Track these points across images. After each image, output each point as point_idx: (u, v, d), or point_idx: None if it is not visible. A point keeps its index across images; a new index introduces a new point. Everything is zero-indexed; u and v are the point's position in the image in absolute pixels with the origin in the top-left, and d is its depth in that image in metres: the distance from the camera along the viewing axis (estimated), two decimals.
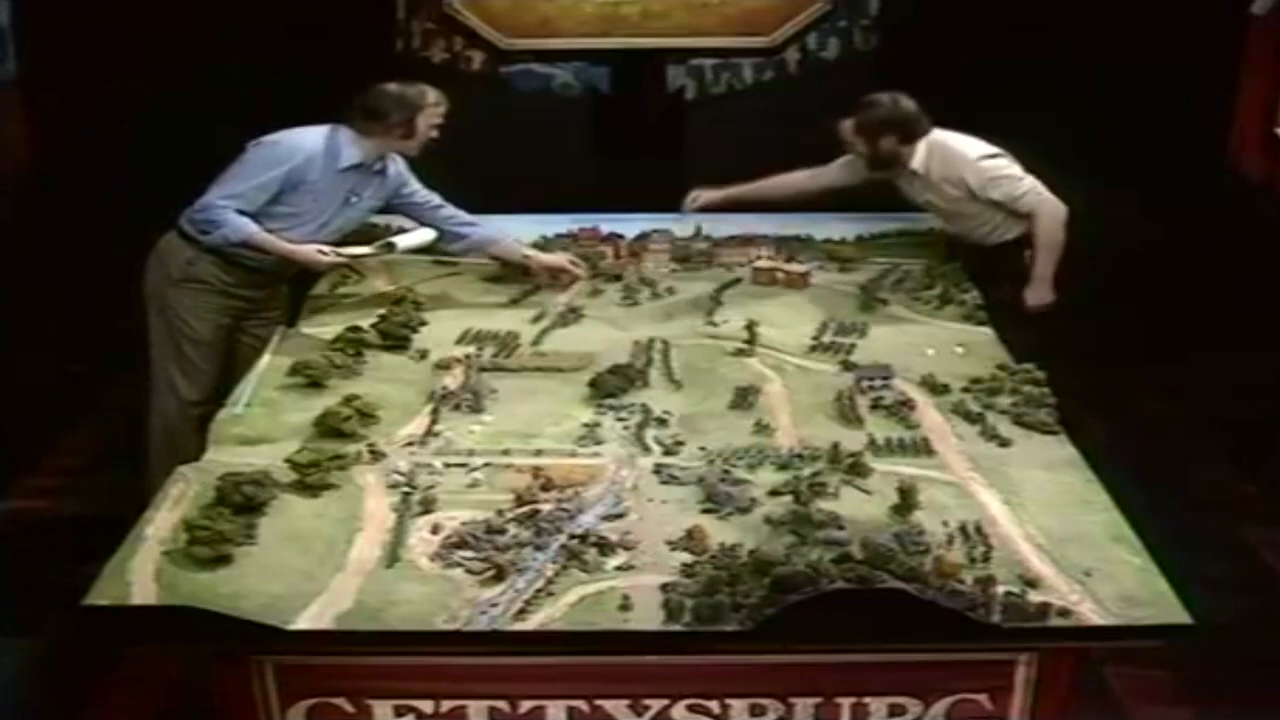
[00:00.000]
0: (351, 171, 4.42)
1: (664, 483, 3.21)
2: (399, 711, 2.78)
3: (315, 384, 3.75)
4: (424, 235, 4.72)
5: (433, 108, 4.40)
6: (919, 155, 4.71)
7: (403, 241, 4.62)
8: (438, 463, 3.31)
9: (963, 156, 4.67)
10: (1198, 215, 5.81)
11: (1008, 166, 4.65)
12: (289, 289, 4.67)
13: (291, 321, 4.41)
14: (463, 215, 4.73)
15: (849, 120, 4.75)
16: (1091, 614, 2.64)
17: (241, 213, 4.27)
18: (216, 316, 4.44)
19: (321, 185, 4.35)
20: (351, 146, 4.38)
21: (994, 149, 4.68)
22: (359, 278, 4.80)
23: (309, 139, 4.36)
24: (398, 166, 4.60)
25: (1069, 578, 2.76)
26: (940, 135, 4.72)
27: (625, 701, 2.77)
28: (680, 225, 5.14)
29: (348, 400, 3.52)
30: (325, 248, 4.43)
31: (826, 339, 4.21)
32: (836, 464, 3.26)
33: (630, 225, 5.11)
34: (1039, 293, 4.68)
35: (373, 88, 4.38)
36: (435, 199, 4.71)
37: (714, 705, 2.78)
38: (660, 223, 5.11)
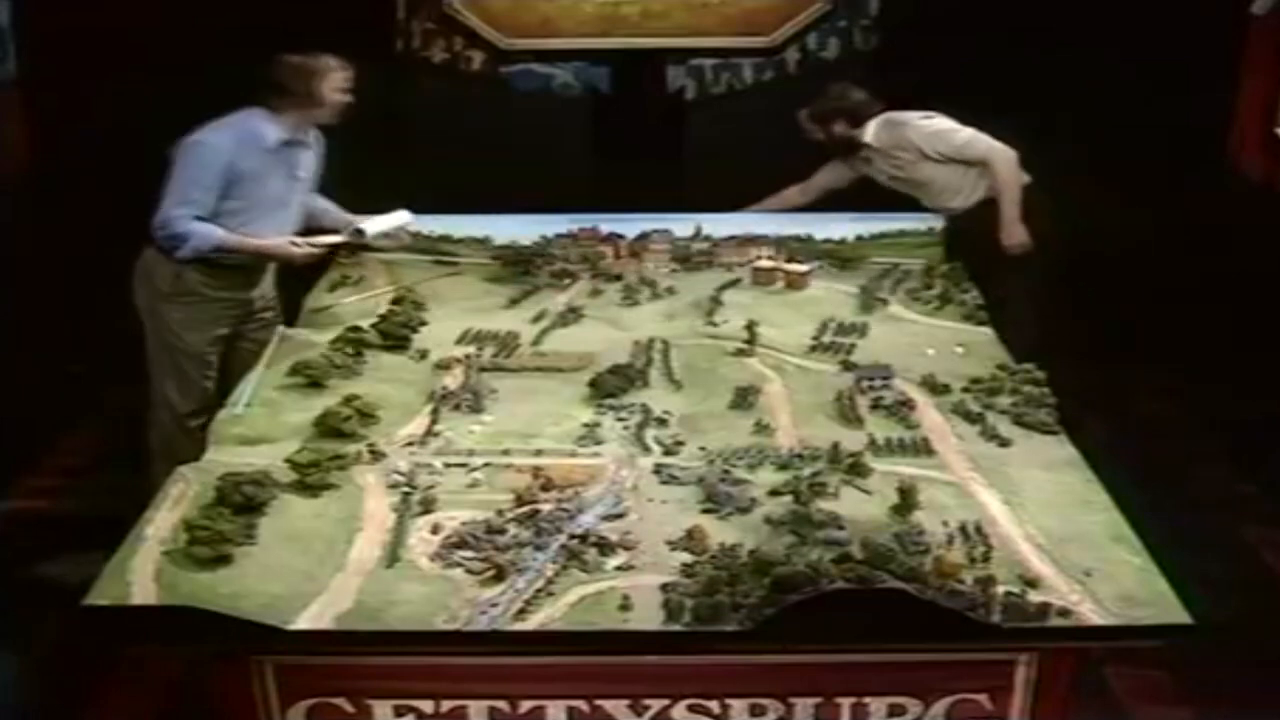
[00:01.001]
0: (283, 149, 4.39)
1: (664, 483, 3.21)
2: (399, 711, 2.78)
3: (315, 384, 3.75)
4: (396, 219, 4.73)
5: (335, 73, 4.36)
6: (869, 131, 5.03)
7: (373, 226, 4.62)
8: (438, 463, 3.31)
9: (903, 121, 5.01)
10: (1198, 215, 5.81)
11: (942, 121, 4.96)
12: (280, 293, 4.67)
13: (291, 322, 4.41)
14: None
15: (803, 110, 5.08)
16: (1091, 614, 2.64)
17: (200, 219, 4.25)
18: (211, 326, 4.43)
19: (260, 170, 4.33)
20: (269, 125, 4.34)
21: (929, 112, 5.00)
22: (359, 278, 4.81)
23: (228, 128, 4.32)
24: (319, 136, 4.58)
25: (1069, 578, 2.76)
26: (888, 113, 5.04)
27: (625, 701, 2.77)
28: (680, 225, 5.14)
29: (348, 400, 3.52)
30: (298, 239, 4.44)
31: (826, 339, 4.22)
32: (836, 464, 3.26)
33: (630, 225, 5.11)
34: (1011, 233, 4.84)
35: (273, 61, 4.36)
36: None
37: (714, 705, 2.78)
38: (660, 223, 5.12)
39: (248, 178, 4.30)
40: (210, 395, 4.33)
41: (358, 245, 4.71)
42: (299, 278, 4.71)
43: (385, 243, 4.80)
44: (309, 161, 4.56)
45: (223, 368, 4.46)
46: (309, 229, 4.59)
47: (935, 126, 4.94)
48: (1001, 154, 4.87)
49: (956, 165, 4.93)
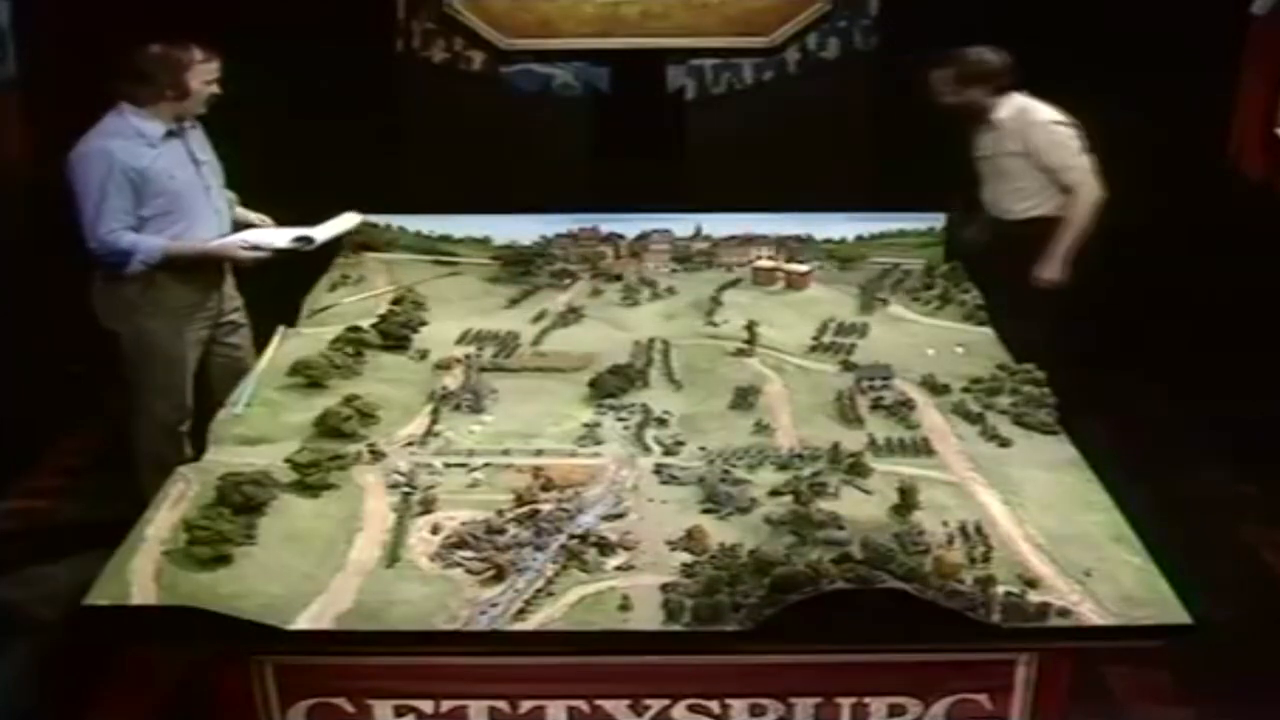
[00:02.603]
0: (171, 139, 4.25)
1: (664, 483, 3.21)
2: (399, 711, 2.78)
3: (315, 384, 3.76)
4: (345, 222, 4.67)
5: (201, 64, 4.22)
6: (1004, 108, 4.85)
7: (321, 234, 4.51)
8: (438, 463, 3.32)
9: (1039, 115, 4.82)
10: (1197, 215, 5.80)
11: (1073, 138, 4.79)
12: (243, 296, 4.65)
13: (291, 322, 4.41)
14: None
15: (944, 70, 4.86)
16: (1091, 614, 2.64)
17: (132, 229, 4.16)
18: (187, 330, 4.39)
19: (159, 166, 4.19)
20: (144, 121, 4.19)
21: (1068, 118, 4.82)
22: (359, 278, 4.81)
23: (106, 135, 4.17)
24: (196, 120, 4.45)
25: (1069, 578, 2.76)
26: (1023, 96, 4.86)
27: (625, 701, 2.78)
28: (680, 225, 5.14)
29: (348, 400, 3.53)
30: (245, 240, 4.36)
31: (826, 339, 4.22)
32: (836, 464, 3.26)
33: (630, 225, 5.11)
34: (1052, 268, 4.76)
35: (134, 51, 4.21)
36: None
37: (714, 705, 2.78)
38: (660, 223, 5.12)
39: (152, 178, 4.18)
40: (193, 400, 4.34)
41: (305, 250, 4.49)
42: (299, 278, 4.71)
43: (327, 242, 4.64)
44: (201, 142, 4.42)
45: (200, 374, 4.46)
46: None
47: (1061, 137, 4.78)
48: (1090, 191, 4.74)
49: (1044, 176, 4.82)
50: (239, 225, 4.54)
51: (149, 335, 4.34)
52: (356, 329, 4.10)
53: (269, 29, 4.55)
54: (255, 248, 4.37)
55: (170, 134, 4.26)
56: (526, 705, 2.78)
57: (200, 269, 4.38)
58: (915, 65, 4.95)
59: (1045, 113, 4.82)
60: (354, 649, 2.70)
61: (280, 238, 4.45)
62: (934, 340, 4.21)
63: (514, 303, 4.63)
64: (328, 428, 3.43)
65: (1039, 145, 4.78)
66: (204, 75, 4.24)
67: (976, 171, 5.01)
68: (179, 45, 4.21)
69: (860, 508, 3.06)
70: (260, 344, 4.32)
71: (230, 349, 4.54)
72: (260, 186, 4.72)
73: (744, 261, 4.97)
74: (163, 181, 4.21)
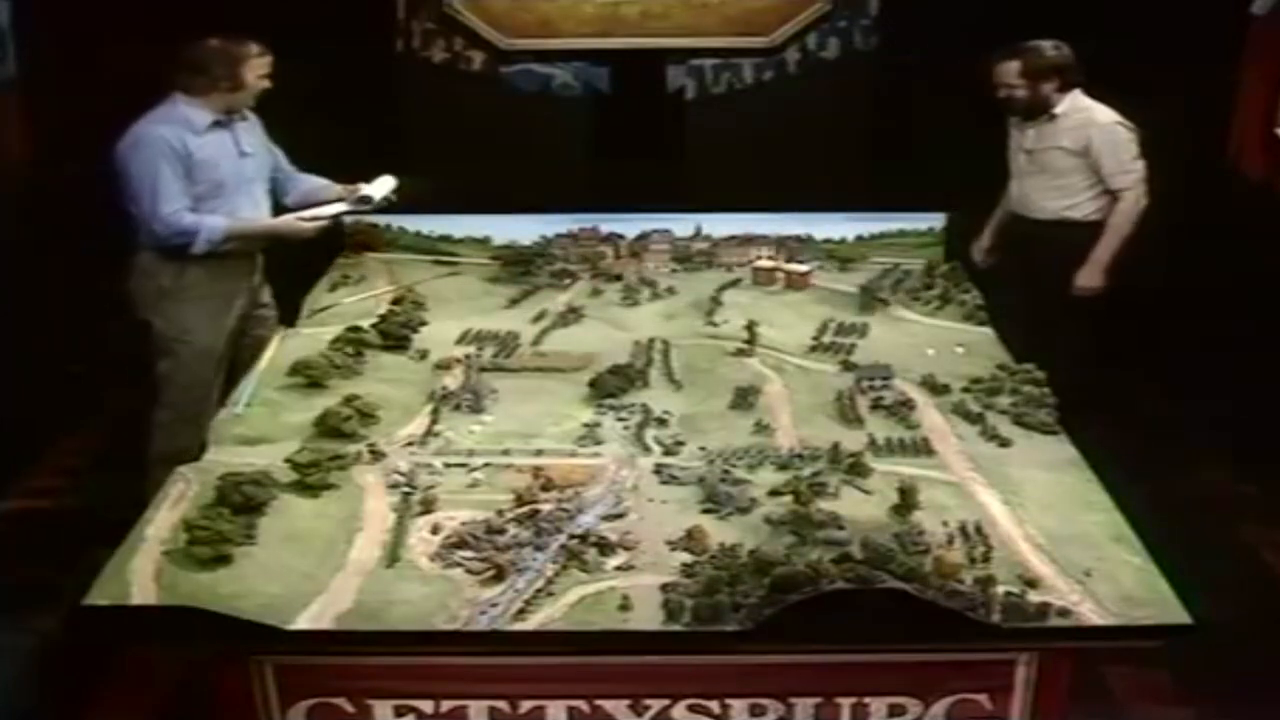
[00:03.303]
0: (218, 129, 4.39)
1: (664, 483, 3.21)
2: (399, 711, 2.78)
3: (315, 384, 3.76)
4: (386, 183, 4.75)
5: (256, 59, 4.38)
6: (1066, 103, 4.80)
7: (377, 191, 4.67)
8: (438, 463, 3.32)
9: (1103, 115, 4.78)
10: (1197, 215, 5.80)
11: (1133, 142, 4.76)
12: (273, 288, 4.71)
13: (291, 322, 4.42)
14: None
15: (1011, 63, 4.80)
16: (1091, 614, 2.64)
17: (193, 210, 4.30)
18: (219, 320, 4.45)
19: (206, 152, 4.33)
20: (194, 109, 4.35)
21: (1129, 121, 4.79)
22: (359, 278, 4.81)
23: (155, 121, 4.32)
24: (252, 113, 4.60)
25: (1069, 578, 2.76)
26: (1083, 93, 4.82)
27: (625, 701, 2.77)
28: (680, 225, 5.14)
29: (348, 400, 3.53)
30: (304, 213, 4.50)
31: (826, 339, 4.22)
32: (836, 464, 3.26)
33: (630, 225, 5.12)
34: (1092, 275, 4.76)
35: (194, 44, 4.37)
36: (278, 150, 4.78)
37: (714, 705, 2.78)
38: (660, 223, 5.12)
39: (198, 164, 4.31)
40: (216, 396, 4.33)
41: (363, 212, 4.75)
42: (299, 278, 4.71)
43: (380, 204, 4.78)
44: (250, 136, 4.55)
45: (229, 366, 4.48)
46: (308, 206, 4.63)
47: (1122, 139, 4.74)
48: (1135, 197, 4.73)
49: (1092, 178, 4.78)
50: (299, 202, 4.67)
51: (182, 324, 4.41)
52: (356, 329, 4.10)
53: (269, 29, 4.55)
54: (316, 218, 4.50)
55: (217, 124, 4.39)
56: (526, 705, 2.78)
57: (240, 255, 4.47)
58: (914, 64, 4.94)
59: (1108, 114, 4.79)
60: (354, 649, 2.70)
61: (338, 205, 4.63)
62: (934, 340, 4.21)
63: (514, 303, 4.63)
64: (328, 428, 3.42)
65: (1099, 146, 4.74)
66: (258, 69, 4.39)
67: (1011, 166, 4.98)
68: (236, 39, 4.36)
69: (860, 508, 3.06)
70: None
71: (258, 341, 4.52)
72: None
73: (744, 261, 4.97)
74: (206, 169, 4.33)
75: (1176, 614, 2.65)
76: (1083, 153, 4.77)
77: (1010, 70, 4.82)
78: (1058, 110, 4.81)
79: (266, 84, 4.43)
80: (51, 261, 5.65)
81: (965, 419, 3.57)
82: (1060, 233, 4.83)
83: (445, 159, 5.67)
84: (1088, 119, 4.78)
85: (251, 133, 4.56)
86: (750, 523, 3.01)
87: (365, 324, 4.16)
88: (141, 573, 2.77)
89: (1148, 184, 4.76)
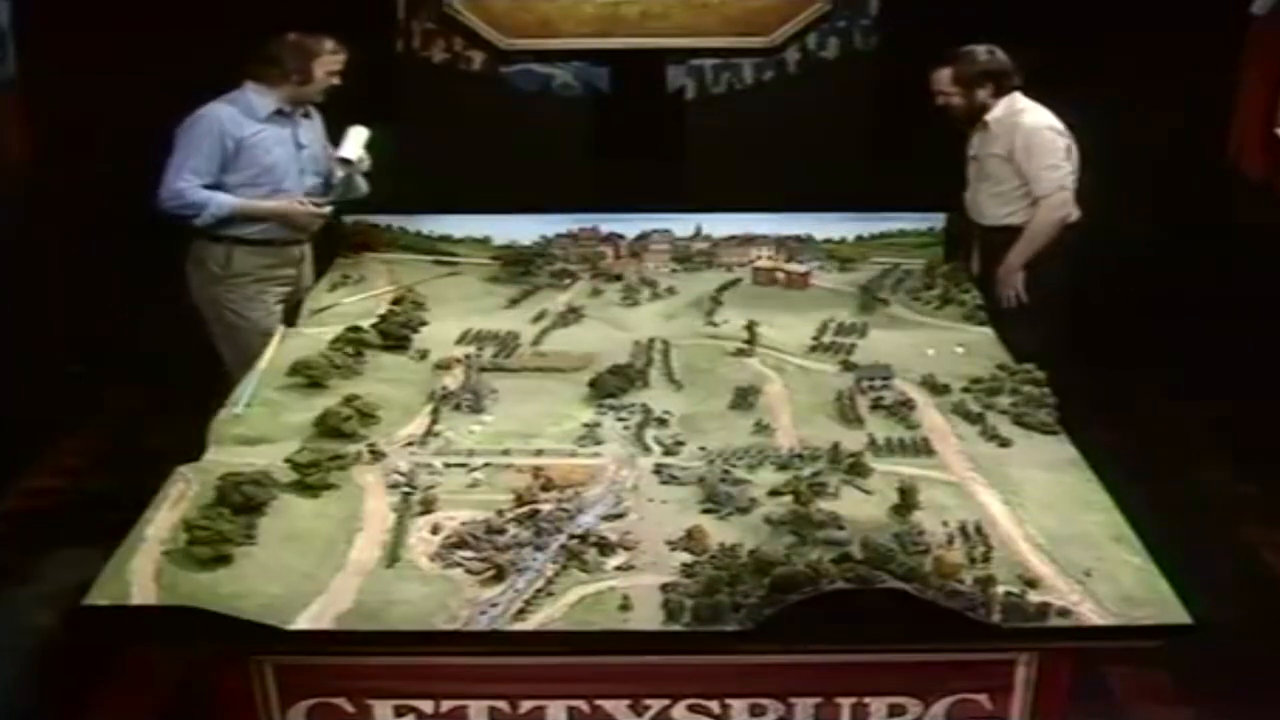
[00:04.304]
0: (278, 118, 4.54)
1: (664, 483, 3.21)
2: (399, 711, 2.78)
3: (315, 384, 3.76)
4: (357, 134, 4.77)
5: (329, 55, 4.53)
6: (999, 108, 4.71)
7: (351, 150, 4.71)
8: (438, 463, 3.32)
9: (1028, 118, 4.66)
10: (1197, 215, 5.81)
11: (1056, 148, 4.62)
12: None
13: (292, 322, 4.42)
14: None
15: (945, 70, 4.74)
16: (1091, 614, 2.64)
17: (206, 187, 4.41)
18: (268, 302, 4.59)
19: (260, 139, 4.48)
20: (261, 97, 4.51)
21: (1062, 127, 4.66)
22: (359, 278, 4.82)
23: (222, 103, 4.49)
24: (316, 111, 4.75)
25: (1069, 578, 2.76)
26: (1024, 98, 4.71)
27: (625, 701, 2.77)
28: (680, 225, 5.15)
29: (348, 400, 3.53)
30: (304, 199, 4.60)
31: (826, 339, 4.22)
32: (836, 464, 3.26)
33: (630, 225, 5.12)
34: (1004, 281, 4.68)
35: (272, 37, 4.53)
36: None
37: (714, 705, 2.78)
38: (660, 223, 5.12)
39: (249, 148, 4.45)
40: None
41: (351, 175, 4.78)
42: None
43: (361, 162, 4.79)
44: (309, 131, 4.69)
45: None
46: None
47: (1043, 143, 4.60)
48: (1054, 208, 4.59)
49: (1020, 184, 4.66)
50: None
51: (230, 307, 4.56)
52: (356, 329, 4.10)
53: (269, 29, 4.55)
54: (311, 203, 4.63)
55: (279, 113, 4.53)
56: (526, 705, 2.78)
57: (282, 242, 4.61)
58: (914, 64, 4.93)
59: (1035, 117, 4.66)
60: (354, 649, 2.70)
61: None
62: (934, 340, 4.21)
63: (514, 303, 4.64)
64: (328, 428, 3.43)
65: (1021, 149, 4.62)
66: (330, 65, 4.55)
67: (966, 173, 4.98)
68: (312, 35, 4.52)
69: (860, 508, 3.06)
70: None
71: None
72: None
73: (744, 261, 4.98)
74: (258, 154, 4.48)
75: (1176, 614, 2.65)
76: (1009, 157, 4.67)
77: (944, 78, 4.75)
78: (990, 116, 4.71)
79: (336, 80, 4.57)
80: (51, 261, 5.65)
81: (965, 419, 3.57)
82: (1003, 238, 4.73)
83: (445, 159, 5.66)
84: (1015, 123, 4.66)
85: (312, 129, 4.72)
86: (750, 523, 3.01)
87: (365, 324, 4.16)
88: (141, 573, 2.77)
89: (1088, 198, 4.62)
